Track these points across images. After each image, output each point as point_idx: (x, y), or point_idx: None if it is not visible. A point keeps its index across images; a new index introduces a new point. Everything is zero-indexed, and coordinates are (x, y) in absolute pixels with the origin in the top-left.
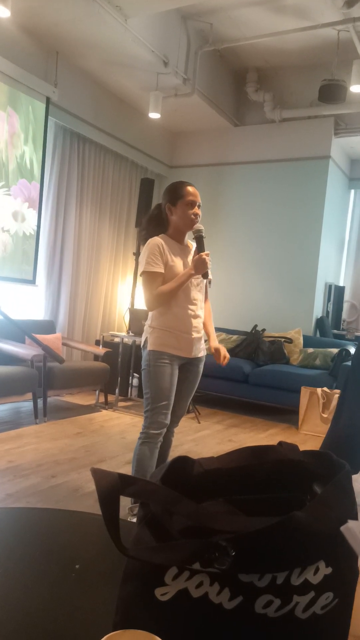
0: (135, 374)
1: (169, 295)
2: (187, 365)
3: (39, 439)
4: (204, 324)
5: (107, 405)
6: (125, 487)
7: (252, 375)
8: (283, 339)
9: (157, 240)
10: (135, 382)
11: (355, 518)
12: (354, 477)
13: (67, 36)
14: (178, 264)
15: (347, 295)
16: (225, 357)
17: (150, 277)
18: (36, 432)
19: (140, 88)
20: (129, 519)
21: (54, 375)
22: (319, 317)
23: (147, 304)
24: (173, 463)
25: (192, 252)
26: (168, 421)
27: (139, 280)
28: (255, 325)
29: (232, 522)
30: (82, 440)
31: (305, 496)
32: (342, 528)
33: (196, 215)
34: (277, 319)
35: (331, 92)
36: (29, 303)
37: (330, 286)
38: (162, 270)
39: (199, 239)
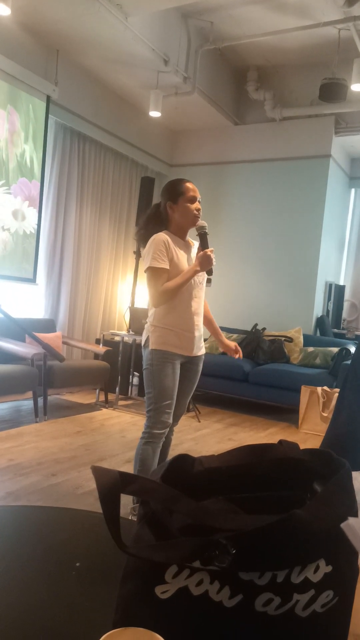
0: (135, 373)
1: (175, 291)
2: (187, 363)
3: (39, 437)
4: (210, 323)
5: (107, 403)
6: (126, 485)
7: (252, 374)
8: (283, 338)
9: (162, 236)
10: (135, 380)
11: (356, 516)
12: (354, 475)
13: (67, 34)
14: (183, 260)
15: (347, 295)
16: (239, 352)
17: (156, 273)
18: (36, 431)
19: (140, 86)
20: (130, 518)
21: (54, 374)
22: (319, 316)
23: (152, 301)
24: (173, 461)
25: (194, 249)
26: (171, 420)
27: (139, 278)
28: (256, 324)
29: (232, 520)
30: (83, 438)
31: (306, 494)
32: (343, 525)
33: (198, 210)
34: (277, 317)
35: (332, 91)
36: (29, 302)
37: (330, 285)
38: (168, 267)
39: (202, 236)
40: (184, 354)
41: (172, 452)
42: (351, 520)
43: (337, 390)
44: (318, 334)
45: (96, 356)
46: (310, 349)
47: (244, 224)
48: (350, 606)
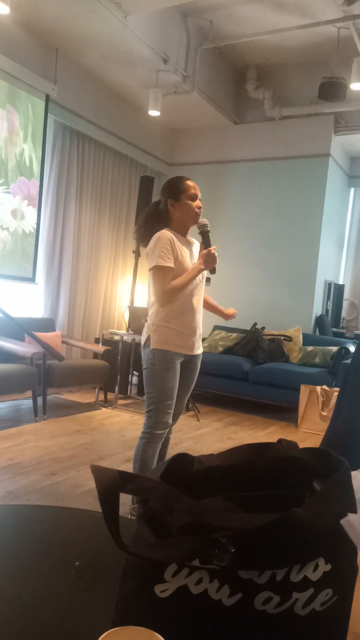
0: (134, 372)
1: (181, 290)
2: (186, 362)
3: (39, 436)
4: (210, 303)
5: (106, 403)
6: (125, 484)
7: (251, 373)
8: (282, 337)
9: (167, 234)
10: (134, 380)
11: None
12: (354, 474)
13: (66, 33)
14: (187, 258)
15: (346, 294)
16: (234, 312)
17: (162, 272)
18: (36, 430)
19: (139, 85)
20: (129, 517)
21: (54, 373)
22: (318, 315)
23: (158, 300)
24: (172, 460)
25: (195, 247)
26: (171, 420)
27: (138, 277)
28: (255, 323)
29: (231, 519)
30: (82, 437)
31: (305, 493)
32: (342, 521)
33: (199, 208)
34: (276, 317)
35: (331, 90)
36: (29, 301)
37: (329, 284)
38: (173, 265)
39: (204, 234)
40: (184, 353)
41: (172, 451)
42: (351, 516)
43: (337, 389)
44: (317, 333)
45: (95, 355)
46: (310, 348)
47: (243, 223)
48: (349, 605)
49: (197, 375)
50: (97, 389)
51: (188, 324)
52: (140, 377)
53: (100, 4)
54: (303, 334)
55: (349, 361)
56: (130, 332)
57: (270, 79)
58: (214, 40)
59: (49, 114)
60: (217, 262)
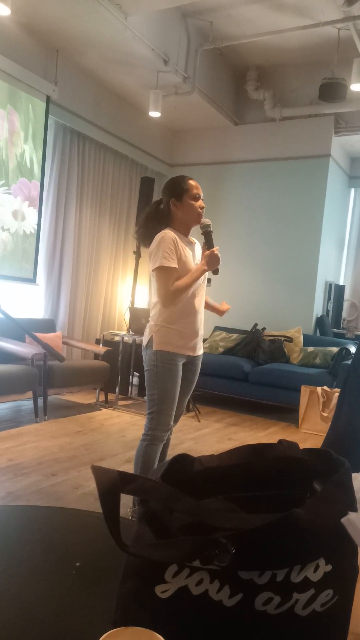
0: (135, 373)
1: (184, 291)
2: (187, 364)
3: (39, 437)
4: (206, 301)
5: (107, 403)
6: (126, 484)
7: (252, 374)
8: (283, 338)
9: (171, 234)
10: (135, 380)
11: None
12: (354, 475)
13: (67, 34)
14: (190, 259)
15: (347, 294)
16: (227, 307)
17: (166, 273)
18: (36, 431)
19: (140, 86)
20: (130, 518)
21: (54, 374)
22: (319, 315)
23: (162, 300)
24: (173, 461)
25: (196, 247)
26: (173, 422)
27: (139, 278)
28: (256, 324)
29: (232, 519)
30: (83, 438)
31: (305, 493)
32: (343, 520)
33: (202, 208)
34: (277, 317)
35: (331, 91)
36: (29, 302)
37: (330, 285)
38: (177, 266)
39: (207, 234)
40: (186, 354)
41: (172, 452)
42: (351, 515)
43: (337, 390)
44: (318, 333)
45: (96, 356)
46: (310, 348)
47: (244, 224)
48: (350, 605)
49: (197, 376)
50: (97, 390)
51: (191, 325)
52: (140, 377)
53: (101, 5)
54: (303, 334)
55: (349, 362)
56: (130, 333)
57: (271, 80)
58: (214, 41)
59: (49, 115)
60: (221, 262)
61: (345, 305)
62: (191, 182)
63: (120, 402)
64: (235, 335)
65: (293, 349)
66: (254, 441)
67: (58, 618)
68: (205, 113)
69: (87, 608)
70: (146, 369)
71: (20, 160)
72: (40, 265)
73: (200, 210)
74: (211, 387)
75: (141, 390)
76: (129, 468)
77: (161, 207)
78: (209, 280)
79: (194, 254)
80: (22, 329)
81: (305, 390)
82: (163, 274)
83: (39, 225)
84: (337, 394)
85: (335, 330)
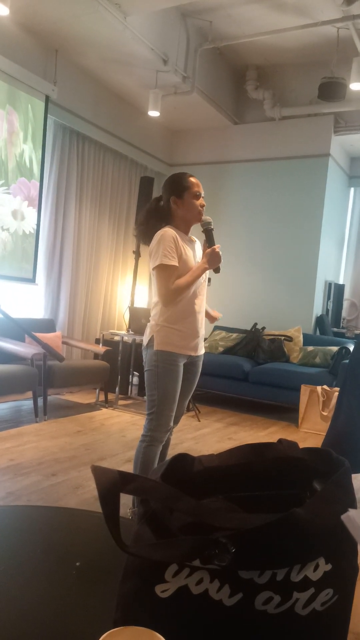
0: (135, 373)
1: (185, 290)
2: (188, 364)
3: (39, 437)
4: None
5: (107, 403)
6: (126, 484)
7: (252, 374)
8: (283, 337)
9: (171, 232)
10: (135, 380)
11: None
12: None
13: (66, 34)
14: (190, 257)
15: (346, 294)
16: (217, 315)
17: (167, 271)
18: (36, 431)
19: (139, 86)
20: (130, 518)
21: (54, 374)
22: (318, 315)
23: (162, 299)
24: (173, 461)
25: (197, 245)
26: (172, 423)
27: (138, 278)
28: (255, 324)
29: (232, 519)
30: (83, 438)
31: (305, 493)
32: (343, 517)
33: (203, 207)
34: (277, 317)
35: (331, 90)
36: (29, 301)
37: (330, 284)
38: (177, 264)
39: (208, 232)
40: (187, 354)
41: (172, 452)
42: (351, 511)
43: (337, 389)
44: (318, 333)
45: (96, 356)
46: (310, 348)
47: (243, 223)
48: (350, 604)
49: (198, 377)
50: (97, 390)
51: (192, 325)
52: (140, 377)
53: (100, 4)
54: (303, 334)
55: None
56: (130, 332)
57: (270, 79)
58: (214, 40)
59: (48, 115)
60: (222, 260)
61: (345, 304)
62: (192, 179)
63: (120, 402)
64: (235, 335)
65: (293, 348)
66: (254, 441)
67: (58, 618)
68: (204, 113)
69: (87, 608)
70: (146, 369)
71: (19, 160)
72: (40, 265)
73: (201, 209)
74: (211, 387)
75: (141, 390)
76: (129, 468)
77: (161, 204)
78: (208, 280)
79: (195, 253)
80: (22, 329)
81: (305, 390)
82: (163, 272)
83: (38, 225)
84: (336, 394)
85: (335, 329)
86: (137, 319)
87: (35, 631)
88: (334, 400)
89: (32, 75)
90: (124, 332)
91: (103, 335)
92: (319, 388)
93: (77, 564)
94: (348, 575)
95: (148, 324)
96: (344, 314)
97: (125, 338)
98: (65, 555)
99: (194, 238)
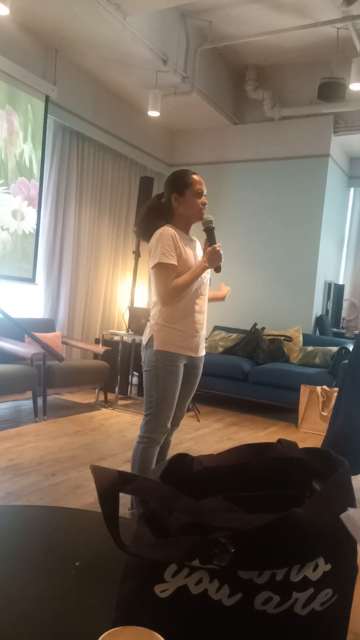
0: (134, 373)
1: (184, 289)
2: (189, 365)
3: (39, 437)
4: (211, 294)
5: (106, 403)
6: (125, 484)
7: (251, 374)
8: (283, 337)
9: (170, 231)
10: (135, 380)
11: None
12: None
13: (66, 34)
14: (190, 255)
15: (346, 294)
16: (226, 290)
17: (165, 270)
18: (36, 431)
19: (139, 86)
20: (129, 518)
21: (54, 374)
22: (318, 315)
23: (161, 298)
24: (172, 460)
25: (197, 245)
26: (170, 425)
27: (138, 278)
28: (255, 324)
29: (231, 519)
30: (82, 438)
31: (305, 493)
32: (342, 516)
33: (204, 205)
34: (276, 317)
35: (330, 90)
36: (29, 301)
37: (329, 284)
38: (177, 263)
39: (209, 231)
40: (188, 355)
41: (172, 452)
42: (351, 510)
43: (337, 389)
44: (317, 333)
45: (95, 356)
46: (310, 348)
47: (243, 223)
48: (349, 604)
49: (199, 379)
50: (97, 390)
51: (192, 325)
52: (140, 377)
53: (100, 4)
54: (303, 334)
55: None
56: (130, 332)
57: (270, 80)
58: (213, 40)
59: (48, 115)
60: (223, 259)
61: (345, 304)
62: (195, 176)
63: (120, 402)
64: (234, 335)
65: (292, 348)
66: (253, 441)
67: (58, 618)
68: (204, 113)
69: (87, 608)
70: (145, 370)
71: (19, 160)
72: (40, 265)
73: (202, 207)
74: (211, 387)
75: (140, 390)
76: (129, 468)
77: (162, 201)
78: (209, 281)
79: (195, 252)
80: (22, 329)
81: (304, 390)
82: (162, 271)
83: (38, 224)
84: (336, 394)
85: (334, 329)
86: (137, 319)
87: (35, 631)
88: (333, 400)
89: (32, 75)
90: (123, 332)
91: (103, 335)
92: (318, 388)
93: (77, 564)
94: (347, 575)
95: (147, 323)
96: (343, 314)
97: (125, 338)
98: (65, 555)
99: (194, 238)
